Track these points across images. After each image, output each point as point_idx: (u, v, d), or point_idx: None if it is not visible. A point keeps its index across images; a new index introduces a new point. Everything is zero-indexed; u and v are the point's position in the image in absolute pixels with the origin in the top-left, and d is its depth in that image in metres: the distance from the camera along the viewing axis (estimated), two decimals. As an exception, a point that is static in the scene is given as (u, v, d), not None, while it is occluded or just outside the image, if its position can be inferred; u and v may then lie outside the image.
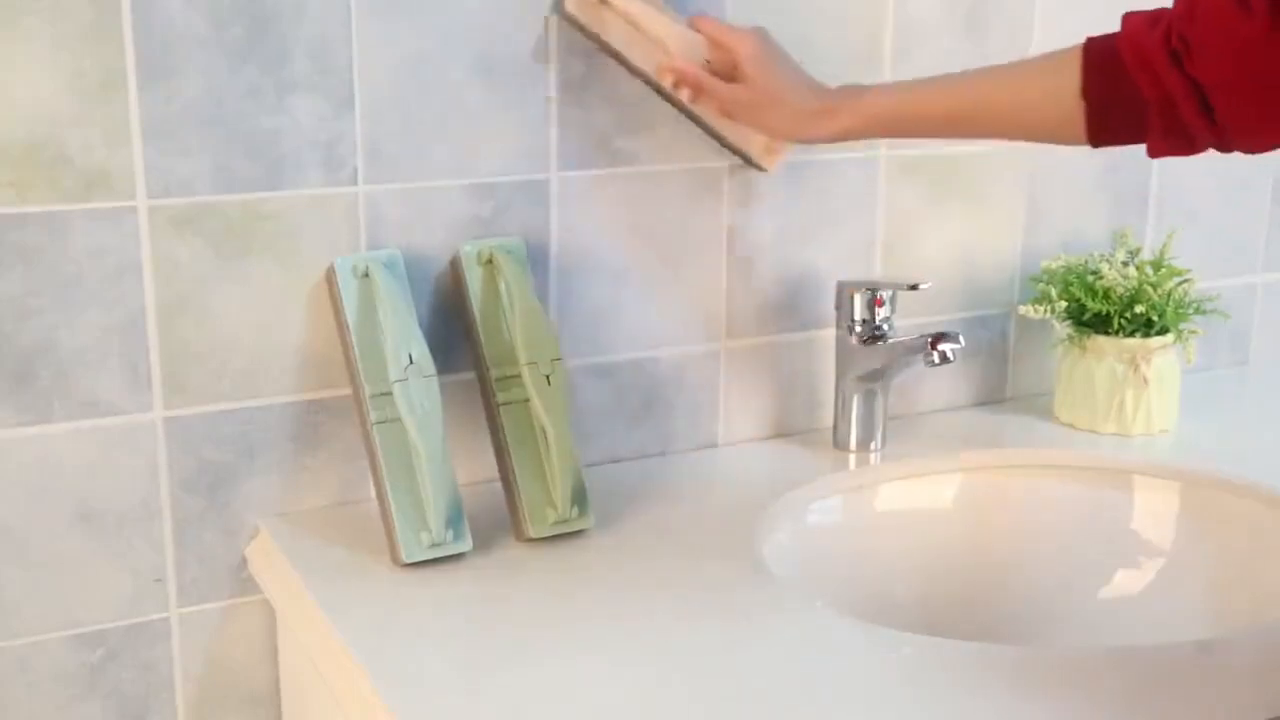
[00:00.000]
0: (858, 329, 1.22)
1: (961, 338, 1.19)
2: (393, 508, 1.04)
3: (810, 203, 1.26)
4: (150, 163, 1.03)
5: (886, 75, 1.26)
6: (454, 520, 1.05)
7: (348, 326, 1.07)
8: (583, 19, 1.11)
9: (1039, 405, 1.37)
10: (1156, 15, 0.96)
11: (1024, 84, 1.03)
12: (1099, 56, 0.98)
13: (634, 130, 1.18)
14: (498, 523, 1.10)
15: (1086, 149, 1.02)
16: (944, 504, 1.24)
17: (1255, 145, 0.96)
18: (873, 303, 1.22)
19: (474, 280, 1.11)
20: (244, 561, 1.11)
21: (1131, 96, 0.96)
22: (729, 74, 1.09)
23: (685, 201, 1.21)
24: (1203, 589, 1.19)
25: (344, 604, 0.98)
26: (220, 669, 1.13)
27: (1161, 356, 1.29)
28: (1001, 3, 1.30)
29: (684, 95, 1.12)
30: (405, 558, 1.03)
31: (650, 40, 1.10)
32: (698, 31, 1.10)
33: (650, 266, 1.21)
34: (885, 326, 1.22)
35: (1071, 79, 0.98)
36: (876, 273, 1.31)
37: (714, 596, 1.01)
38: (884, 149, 1.28)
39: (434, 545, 1.04)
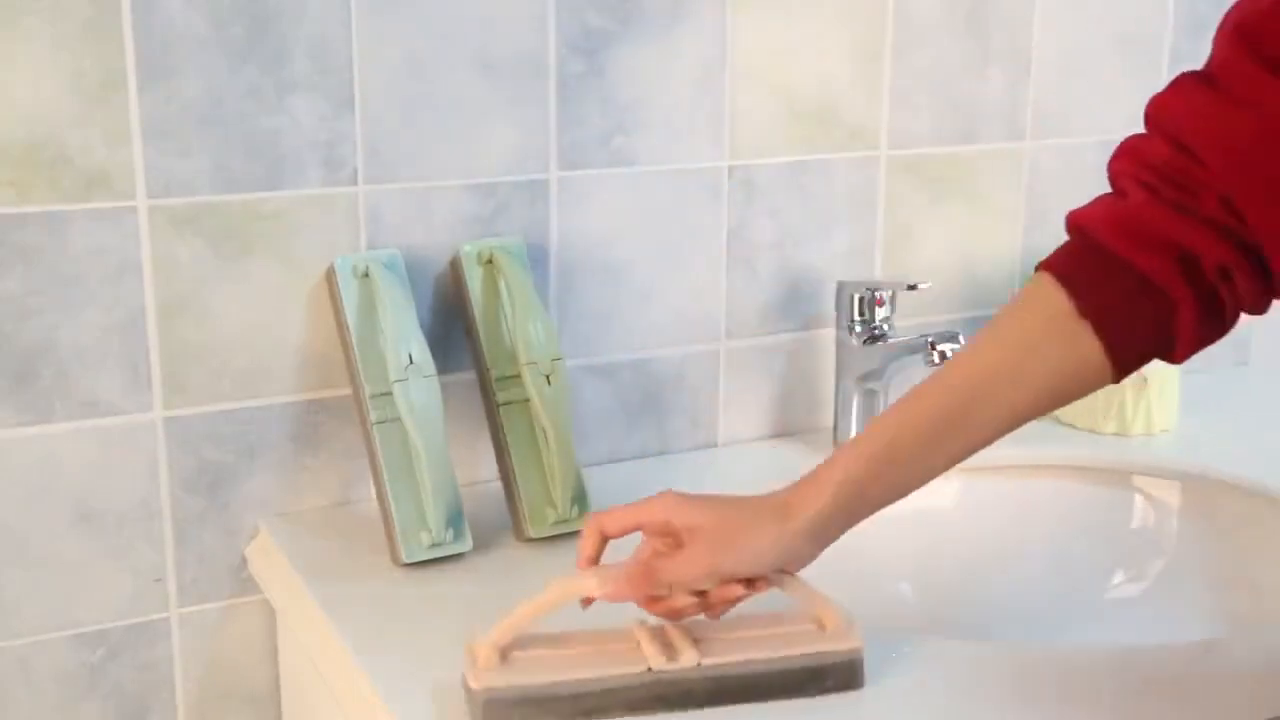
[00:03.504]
0: (858, 329, 1.22)
1: (961, 338, 1.19)
2: (393, 508, 1.04)
3: (810, 203, 1.26)
4: (150, 163, 1.03)
5: (886, 75, 1.26)
6: (454, 520, 1.05)
7: (348, 326, 1.07)
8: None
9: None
10: (1117, 191, 0.82)
11: (1010, 338, 0.84)
12: (1075, 261, 0.82)
13: (634, 130, 1.18)
14: (498, 523, 1.10)
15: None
16: (944, 504, 1.24)
17: None
18: (873, 303, 1.22)
19: (474, 280, 1.11)
20: (244, 561, 1.11)
21: (1136, 285, 0.79)
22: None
23: (685, 201, 1.21)
24: (1203, 589, 1.19)
25: (344, 604, 0.98)
26: (220, 669, 1.13)
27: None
28: (1001, 3, 1.30)
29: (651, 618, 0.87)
30: (405, 558, 1.03)
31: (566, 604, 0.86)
32: (607, 533, 0.87)
33: (650, 266, 1.21)
34: (885, 326, 1.22)
35: (1057, 304, 0.81)
36: (876, 273, 1.31)
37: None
38: (884, 149, 1.28)
39: (434, 545, 1.04)
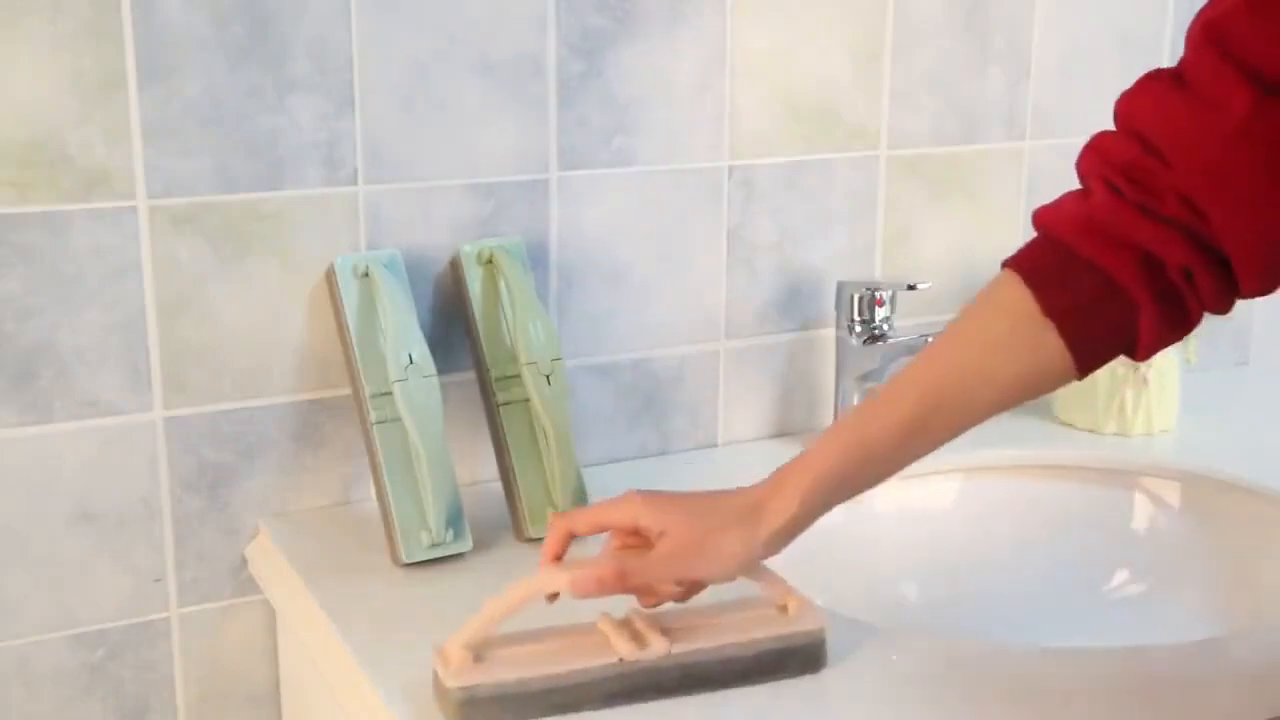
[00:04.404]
0: (857, 329, 1.22)
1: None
2: (393, 508, 1.04)
3: (810, 203, 1.26)
4: (150, 163, 1.03)
5: (886, 75, 1.26)
6: (454, 520, 1.05)
7: (348, 326, 1.07)
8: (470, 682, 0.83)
9: (1039, 405, 1.36)
10: (1084, 189, 0.82)
11: (976, 338, 0.85)
12: (1040, 259, 0.82)
13: (634, 130, 1.18)
14: (498, 523, 1.10)
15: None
16: (944, 504, 1.24)
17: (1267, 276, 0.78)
18: (873, 303, 1.22)
19: (474, 280, 1.11)
20: (244, 561, 1.11)
21: (1099, 285, 0.79)
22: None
23: (685, 201, 1.21)
24: (1203, 589, 1.19)
25: (344, 604, 0.98)
26: (220, 669, 1.13)
27: (1162, 356, 1.29)
28: (1001, 3, 1.30)
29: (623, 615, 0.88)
30: (405, 558, 1.03)
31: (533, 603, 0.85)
32: (576, 533, 0.88)
33: (650, 266, 1.21)
34: (885, 326, 1.22)
35: (1020, 302, 0.82)
36: (876, 273, 1.31)
37: (714, 596, 1.01)
38: (884, 149, 1.28)
39: (434, 545, 1.04)
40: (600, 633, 0.86)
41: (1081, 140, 0.84)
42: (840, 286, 1.23)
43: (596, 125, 1.16)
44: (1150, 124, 0.79)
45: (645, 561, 0.85)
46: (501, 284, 1.11)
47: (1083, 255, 0.80)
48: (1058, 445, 1.28)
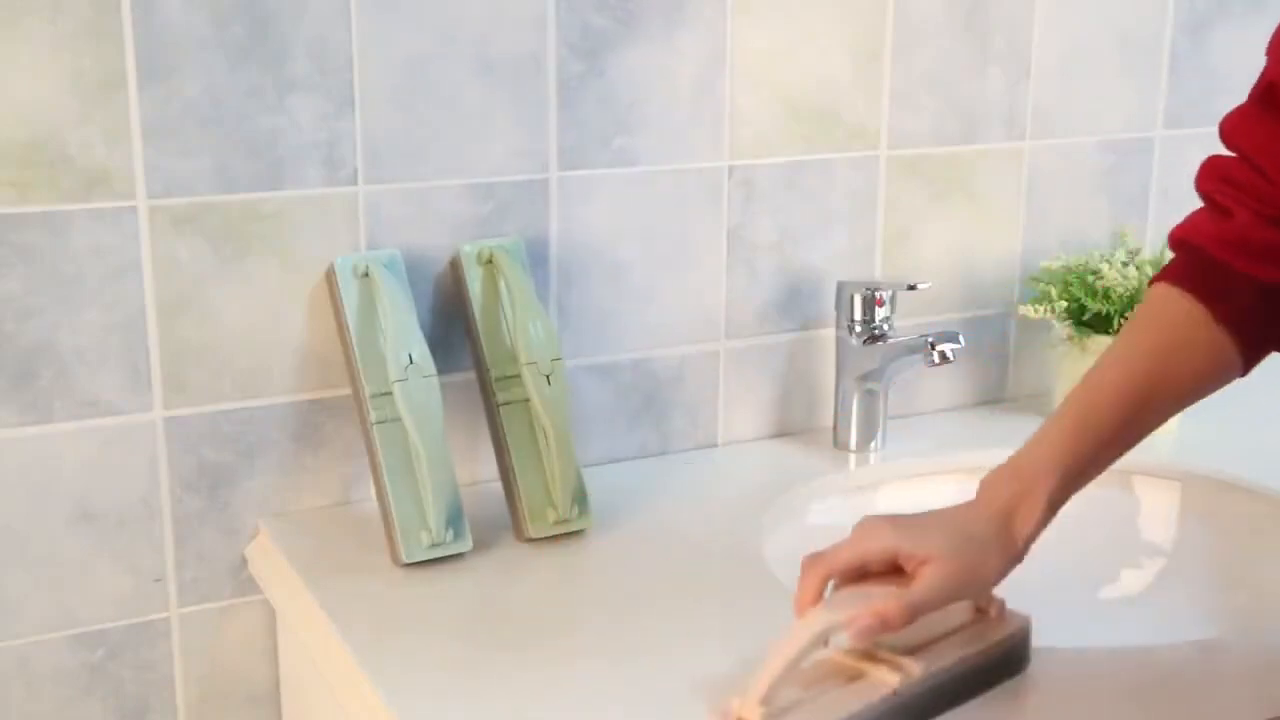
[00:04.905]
0: (857, 329, 1.22)
1: (961, 338, 1.19)
2: (393, 508, 1.04)
3: (810, 203, 1.26)
4: (150, 163, 1.03)
5: (886, 75, 1.26)
6: (454, 520, 1.05)
7: (348, 326, 1.07)
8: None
9: (1039, 405, 1.36)
10: (1219, 209, 0.89)
11: (1157, 347, 0.90)
12: (1199, 275, 0.89)
13: (634, 130, 1.18)
14: (498, 523, 1.10)
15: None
16: (944, 504, 1.24)
17: None
18: (873, 303, 1.22)
19: (474, 280, 1.11)
20: (244, 561, 1.11)
21: (1258, 294, 0.87)
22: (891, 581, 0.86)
23: (685, 201, 1.21)
24: (1203, 589, 1.19)
25: (344, 604, 0.98)
26: (220, 669, 1.13)
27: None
28: (1001, 3, 1.30)
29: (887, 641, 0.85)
30: (405, 558, 1.03)
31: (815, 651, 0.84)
32: (834, 573, 0.86)
33: (650, 266, 1.21)
34: (885, 326, 1.22)
35: (1193, 313, 0.88)
36: (876, 273, 1.31)
37: (714, 596, 1.01)
38: (884, 149, 1.28)
39: (434, 545, 1.04)
40: (849, 667, 0.84)
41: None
42: (840, 286, 1.23)
43: (597, 125, 1.16)
44: (1250, 146, 0.88)
45: (921, 592, 0.82)
46: (501, 284, 1.11)
47: (1240, 271, 0.87)
48: (1058, 445, 1.28)
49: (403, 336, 1.04)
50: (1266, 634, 1.00)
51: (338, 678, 0.93)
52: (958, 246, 1.34)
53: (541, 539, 1.08)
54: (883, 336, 1.22)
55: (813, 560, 0.86)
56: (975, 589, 0.87)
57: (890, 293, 1.22)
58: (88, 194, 1.02)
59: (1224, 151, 0.90)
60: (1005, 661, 0.88)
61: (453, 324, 1.13)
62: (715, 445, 1.28)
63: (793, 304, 1.28)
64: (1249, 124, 0.88)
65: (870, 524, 0.86)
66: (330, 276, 1.08)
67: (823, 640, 0.82)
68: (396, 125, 1.09)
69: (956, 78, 1.29)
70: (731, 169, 1.22)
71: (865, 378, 1.23)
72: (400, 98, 1.09)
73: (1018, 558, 0.87)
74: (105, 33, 1.00)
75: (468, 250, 1.11)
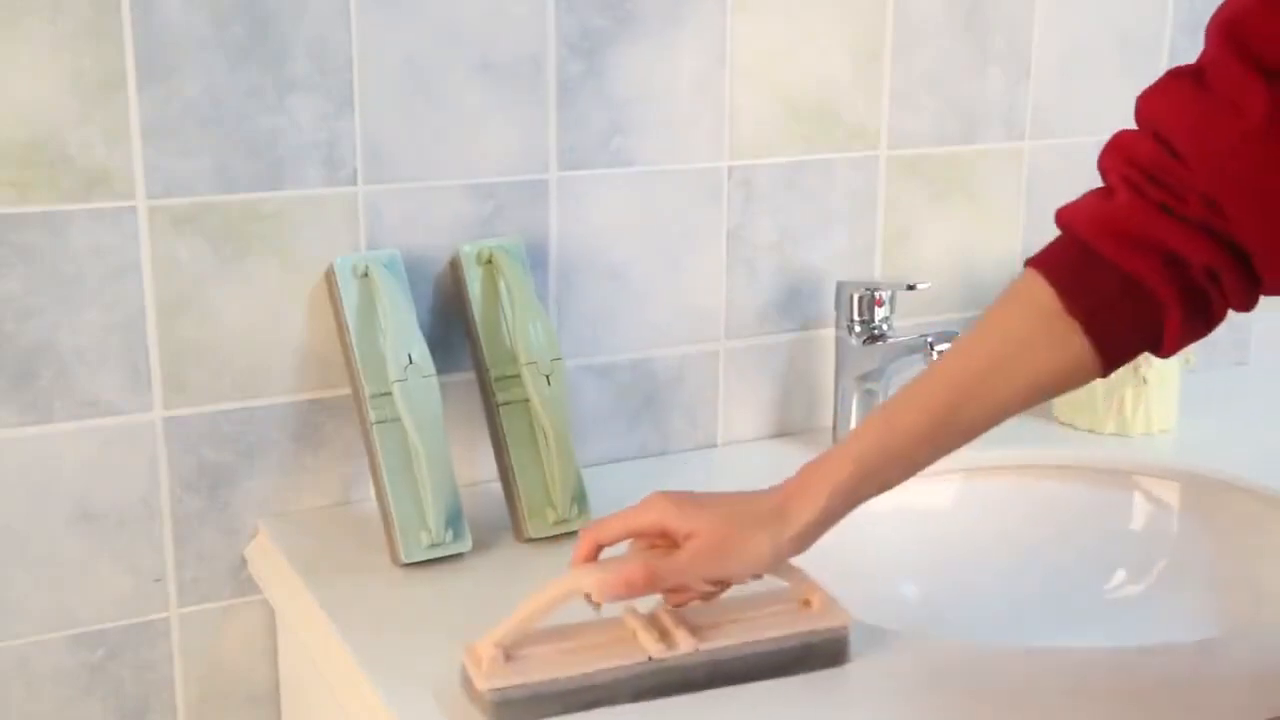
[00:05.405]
0: (857, 329, 1.22)
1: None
2: (393, 508, 1.04)
3: (810, 203, 1.26)
4: (150, 163, 1.03)
5: (886, 75, 1.26)
6: (454, 520, 1.05)
7: (348, 326, 1.07)
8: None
9: (1039, 405, 1.36)
10: (1106, 187, 0.83)
11: (1000, 336, 0.85)
12: (1064, 259, 0.83)
13: (634, 130, 1.18)
14: (498, 523, 1.10)
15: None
16: (944, 504, 1.24)
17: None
18: (872, 303, 1.22)
19: (474, 280, 1.11)
20: (244, 561, 1.11)
21: (1123, 285, 0.80)
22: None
23: (685, 202, 1.21)
24: (1203, 589, 1.19)
25: (344, 604, 0.98)
26: (220, 669, 1.13)
27: (1161, 356, 1.29)
28: (1001, 3, 1.30)
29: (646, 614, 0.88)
30: (405, 558, 1.03)
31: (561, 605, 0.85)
32: (603, 544, 0.87)
33: (650, 266, 1.21)
34: (885, 326, 1.22)
35: (1046, 302, 0.82)
36: (876, 273, 1.31)
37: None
38: (884, 149, 1.28)
39: (434, 545, 1.04)
40: (628, 630, 0.87)
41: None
42: (840, 286, 1.23)
43: (596, 125, 1.16)
44: (1169, 123, 0.79)
45: (674, 562, 0.84)
46: (501, 284, 1.11)
47: (1106, 256, 0.80)
48: (1057, 445, 1.28)
49: (402, 336, 1.04)
50: (1266, 634, 1.00)
51: (338, 678, 0.93)
52: (958, 246, 1.34)
53: (541, 539, 1.08)
54: (882, 336, 1.22)
55: (587, 531, 0.88)
56: (736, 566, 0.86)
57: (890, 293, 1.22)
58: (87, 194, 1.02)
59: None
60: (801, 654, 0.88)
61: (452, 324, 1.13)
62: (715, 445, 1.28)
63: (792, 304, 1.28)
64: (1169, 99, 0.80)
65: (651, 499, 0.87)
66: (330, 276, 1.08)
67: (572, 595, 0.84)
68: (396, 125, 1.10)
69: (956, 78, 1.29)
70: (731, 169, 1.22)
71: (865, 378, 1.23)
72: (400, 98, 1.09)
73: (795, 542, 0.86)
74: (105, 33, 1.00)
75: (467, 250, 1.11)
